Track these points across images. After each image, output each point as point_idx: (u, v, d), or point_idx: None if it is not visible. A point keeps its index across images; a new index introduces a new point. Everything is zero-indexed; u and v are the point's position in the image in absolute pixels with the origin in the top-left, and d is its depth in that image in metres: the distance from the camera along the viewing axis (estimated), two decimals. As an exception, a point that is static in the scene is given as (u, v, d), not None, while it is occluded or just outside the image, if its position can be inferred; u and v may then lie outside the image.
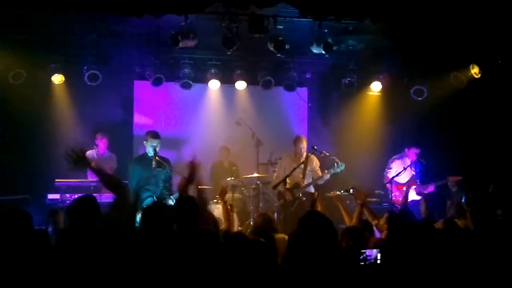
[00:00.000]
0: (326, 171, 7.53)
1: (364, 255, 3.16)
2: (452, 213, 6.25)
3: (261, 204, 7.75)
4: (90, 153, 7.83)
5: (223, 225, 4.75)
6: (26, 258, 3.06)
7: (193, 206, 3.94)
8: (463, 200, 4.53)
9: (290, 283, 2.81)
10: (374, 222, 4.80)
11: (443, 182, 7.56)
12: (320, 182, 7.61)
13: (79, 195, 6.50)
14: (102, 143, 7.88)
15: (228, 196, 7.74)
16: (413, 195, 7.80)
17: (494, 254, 3.34)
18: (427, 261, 2.97)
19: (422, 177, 7.89)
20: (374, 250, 3.22)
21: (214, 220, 4.44)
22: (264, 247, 3.14)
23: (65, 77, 7.98)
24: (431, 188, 7.58)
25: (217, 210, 6.94)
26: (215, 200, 7.50)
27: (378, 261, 3.16)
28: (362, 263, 3.13)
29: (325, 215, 2.90)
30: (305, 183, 7.58)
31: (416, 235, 3.07)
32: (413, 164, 7.76)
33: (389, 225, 4.46)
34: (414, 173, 7.82)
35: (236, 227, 6.84)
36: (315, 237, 2.64)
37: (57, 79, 7.94)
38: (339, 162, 7.38)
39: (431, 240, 3.04)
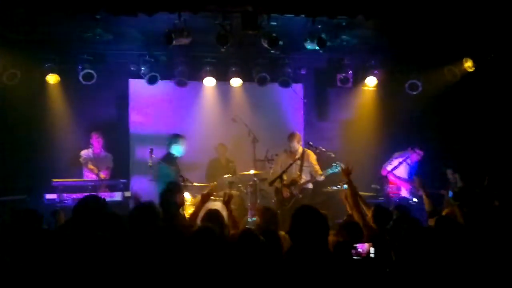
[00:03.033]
0: (322, 172, 7.54)
1: (356, 249, 3.18)
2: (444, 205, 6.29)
3: (258, 201, 7.77)
4: (85, 152, 7.84)
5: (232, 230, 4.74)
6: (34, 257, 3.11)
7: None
8: (450, 195, 4.56)
9: (287, 279, 2.82)
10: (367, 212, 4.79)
11: (435, 192, 7.55)
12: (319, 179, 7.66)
13: (77, 194, 6.63)
14: (97, 142, 7.88)
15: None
16: (404, 193, 7.89)
17: (486, 247, 3.37)
18: (418, 256, 2.99)
19: (418, 170, 7.95)
20: (366, 244, 3.25)
21: (219, 218, 4.43)
22: (266, 245, 3.15)
23: (60, 77, 7.97)
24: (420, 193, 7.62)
25: (214, 207, 6.96)
26: (212, 198, 7.51)
27: (372, 255, 3.18)
28: (355, 257, 3.15)
29: (317, 209, 2.89)
30: (303, 179, 7.61)
31: (406, 231, 3.10)
32: (411, 162, 7.81)
33: (374, 219, 4.50)
34: (408, 174, 7.88)
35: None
36: (306, 231, 2.64)
37: (52, 79, 7.93)
38: (337, 162, 7.37)
39: (422, 236, 3.06)
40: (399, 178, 7.93)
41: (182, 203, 5.15)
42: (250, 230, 3.34)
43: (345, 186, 5.59)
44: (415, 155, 7.85)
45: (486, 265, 3.19)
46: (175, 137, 7.54)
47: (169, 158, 7.43)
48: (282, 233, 4.51)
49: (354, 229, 4.18)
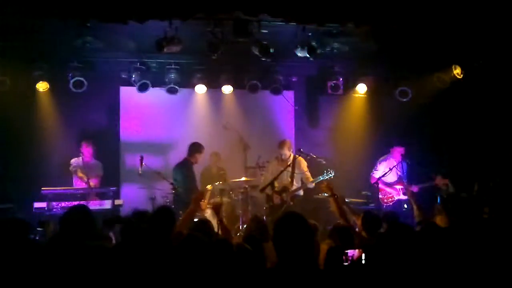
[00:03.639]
0: (313, 179, 7.55)
1: (347, 256, 3.19)
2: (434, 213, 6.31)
3: (249, 208, 7.76)
4: (75, 161, 7.79)
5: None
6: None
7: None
8: (438, 201, 4.58)
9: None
10: (356, 221, 4.80)
11: (429, 184, 7.60)
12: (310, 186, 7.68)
13: (66, 203, 6.57)
14: (87, 150, 7.82)
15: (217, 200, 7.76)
16: (398, 196, 7.91)
17: (474, 252, 3.38)
18: (407, 262, 3.00)
19: (408, 177, 7.97)
20: (357, 251, 3.25)
21: (208, 227, 4.41)
22: (250, 254, 3.14)
23: (50, 85, 7.92)
24: (414, 189, 7.64)
25: (205, 214, 6.94)
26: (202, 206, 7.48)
27: (363, 261, 3.18)
28: (346, 264, 3.16)
29: (301, 215, 2.88)
30: (294, 186, 7.61)
31: (394, 237, 3.10)
32: (399, 164, 7.84)
33: (364, 226, 4.49)
34: (399, 173, 7.90)
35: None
36: (288, 239, 2.63)
37: (42, 86, 7.88)
38: (329, 169, 7.38)
39: (410, 242, 3.07)
40: (388, 184, 7.94)
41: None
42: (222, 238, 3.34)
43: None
44: (396, 153, 7.88)
45: (473, 271, 3.20)
46: (199, 146, 7.74)
47: (187, 164, 7.61)
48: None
49: (346, 234, 4.19)
